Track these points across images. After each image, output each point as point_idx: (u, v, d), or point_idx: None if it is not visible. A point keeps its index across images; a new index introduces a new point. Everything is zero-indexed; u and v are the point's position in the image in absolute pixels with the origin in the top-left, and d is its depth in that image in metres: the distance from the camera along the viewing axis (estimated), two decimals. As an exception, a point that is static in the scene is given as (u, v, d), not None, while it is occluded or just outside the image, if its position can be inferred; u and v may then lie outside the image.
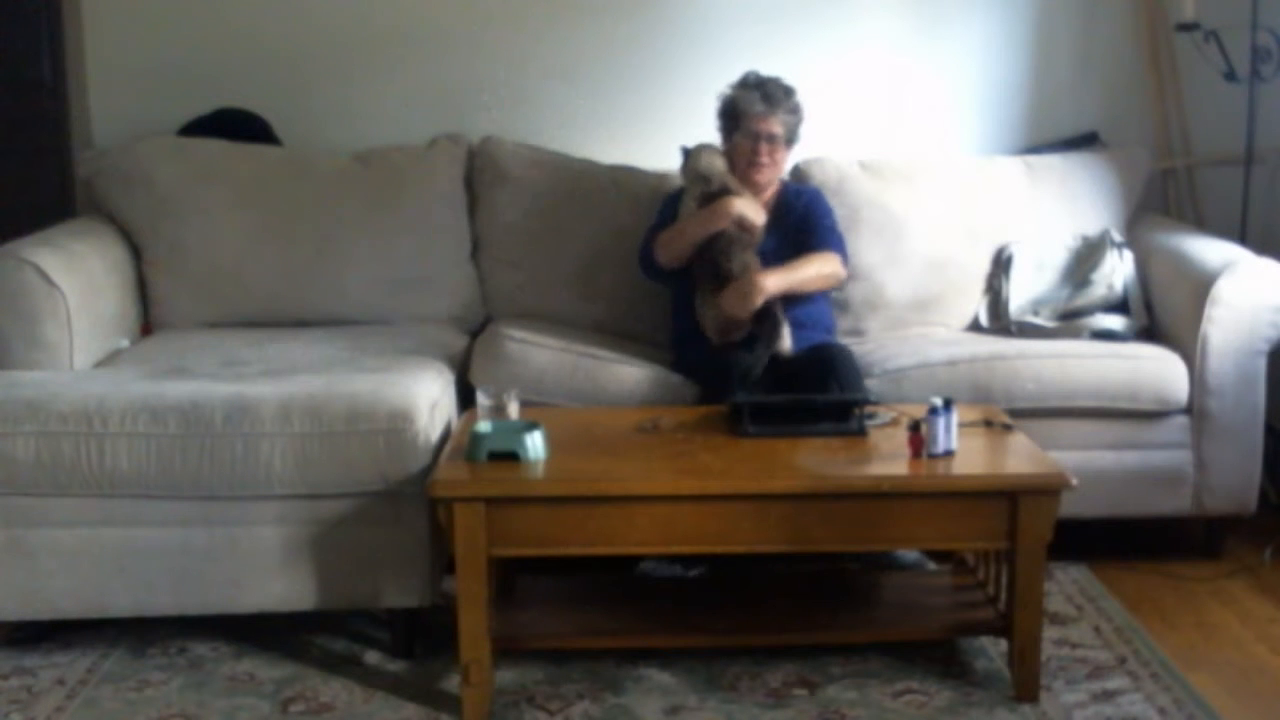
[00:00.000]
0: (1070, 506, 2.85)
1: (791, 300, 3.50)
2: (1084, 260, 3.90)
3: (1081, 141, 4.28)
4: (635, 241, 3.69)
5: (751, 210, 3.50)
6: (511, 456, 2.86)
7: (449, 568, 2.87)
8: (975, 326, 3.94)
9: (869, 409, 3.13)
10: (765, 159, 3.57)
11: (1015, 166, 4.07)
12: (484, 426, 2.93)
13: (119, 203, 3.87)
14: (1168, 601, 3.38)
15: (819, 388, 3.26)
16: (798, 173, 3.92)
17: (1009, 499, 2.79)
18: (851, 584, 3.33)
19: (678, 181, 3.68)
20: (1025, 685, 2.87)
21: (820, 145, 3.86)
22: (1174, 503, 3.55)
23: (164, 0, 4.21)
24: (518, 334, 3.53)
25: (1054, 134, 4.31)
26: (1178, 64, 4.27)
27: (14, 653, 3.10)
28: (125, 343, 3.70)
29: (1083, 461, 3.26)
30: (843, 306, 3.82)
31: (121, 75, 4.22)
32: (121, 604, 3.01)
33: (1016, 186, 4.02)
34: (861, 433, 3.04)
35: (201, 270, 3.85)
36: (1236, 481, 3.55)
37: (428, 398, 3.08)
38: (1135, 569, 3.55)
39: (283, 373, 3.20)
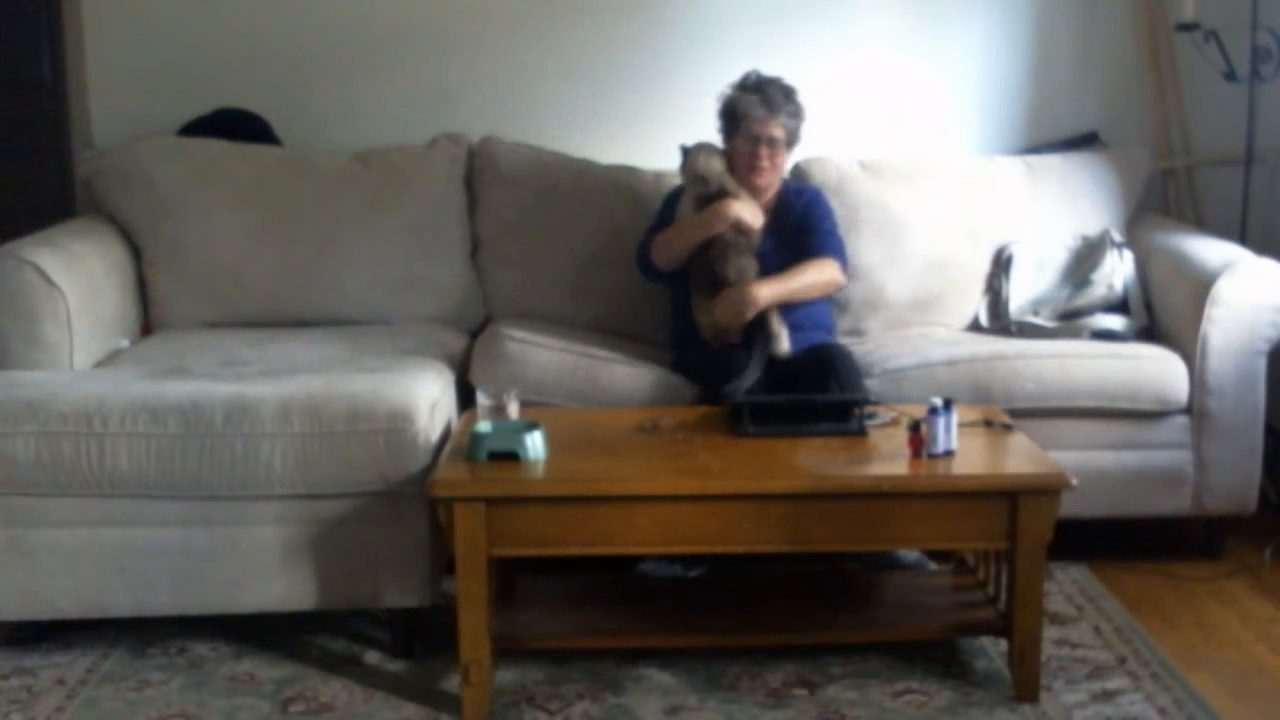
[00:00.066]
0: (1070, 506, 2.85)
1: (790, 303, 3.50)
2: (1084, 260, 3.90)
3: (1081, 141, 4.28)
4: (635, 241, 3.69)
5: (749, 213, 3.49)
6: (511, 456, 2.86)
7: (449, 568, 2.87)
8: (975, 326, 3.94)
9: (869, 409, 3.13)
10: (765, 163, 3.56)
11: (1015, 166, 4.07)
12: (484, 426, 2.93)
13: (119, 203, 3.87)
14: (1168, 601, 3.38)
15: (819, 388, 3.26)
16: (798, 172, 3.92)
17: (1009, 499, 2.79)
18: (851, 584, 3.33)
19: (677, 180, 3.68)
20: (1025, 685, 2.87)
21: (820, 145, 3.86)
22: (1174, 503, 3.55)
23: (164, 0, 4.22)
24: (518, 334, 3.53)
25: (1054, 134, 4.31)
26: (1178, 64, 4.27)
27: (14, 653, 3.10)
28: (125, 343, 3.70)
29: (1083, 461, 3.26)
30: (843, 306, 3.82)
31: (121, 75, 4.22)
32: (121, 604, 3.01)
33: (1016, 186, 4.02)
34: (861, 433, 3.04)
35: (201, 270, 3.85)
36: (1236, 481, 3.55)
37: (428, 398, 3.08)
38: (1135, 569, 3.55)
39: (283, 373, 3.20)
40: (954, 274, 3.93)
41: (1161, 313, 3.74)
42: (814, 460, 2.93)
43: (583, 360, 3.50)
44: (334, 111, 4.24)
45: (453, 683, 2.92)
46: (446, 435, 3.13)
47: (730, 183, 3.54)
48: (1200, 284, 3.53)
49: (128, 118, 4.17)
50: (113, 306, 3.68)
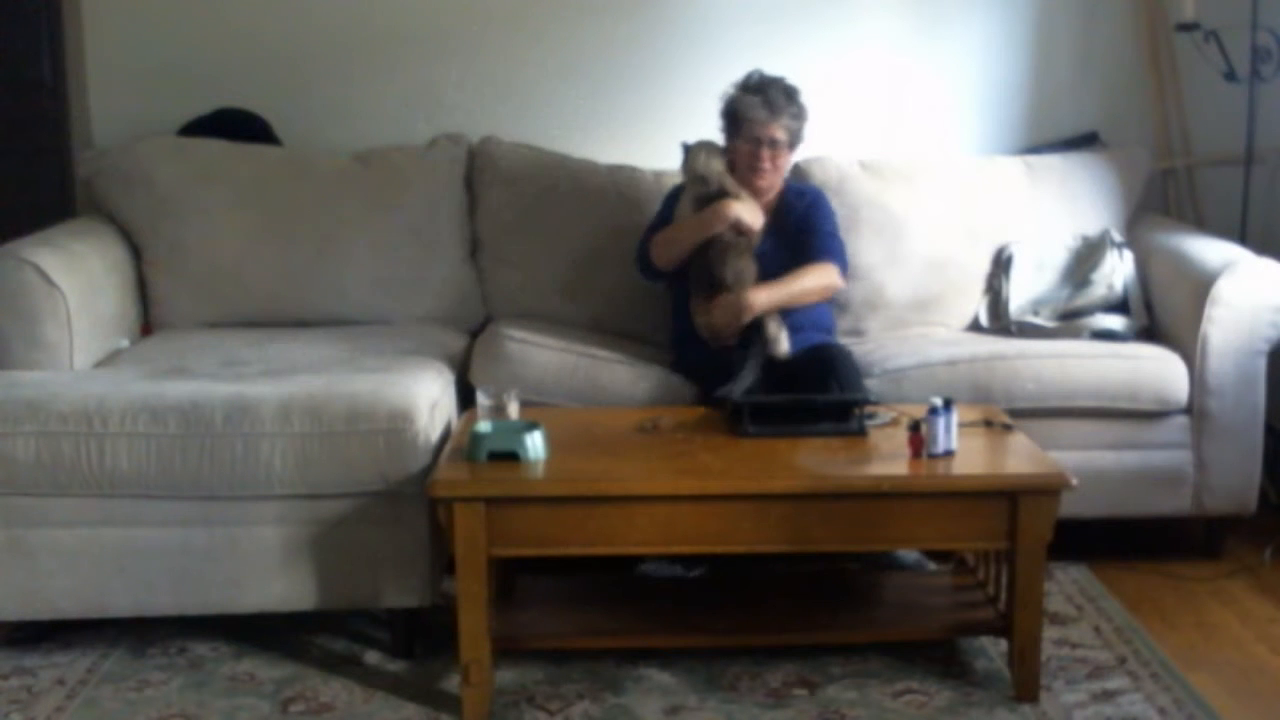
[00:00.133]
0: (1070, 506, 2.85)
1: (789, 307, 3.49)
2: (1084, 260, 3.90)
3: (1081, 141, 4.28)
4: (635, 241, 3.68)
5: (749, 213, 3.48)
6: (511, 456, 2.86)
7: (449, 568, 2.87)
8: (975, 326, 3.94)
9: (869, 409, 3.13)
10: (767, 164, 3.55)
11: (1015, 166, 4.07)
12: (484, 426, 2.93)
13: (119, 203, 3.87)
14: (1168, 601, 3.38)
15: (819, 388, 3.26)
16: (798, 172, 3.91)
17: (1009, 499, 2.79)
18: (851, 584, 3.33)
19: (677, 180, 3.68)
20: (1025, 685, 2.87)
21: (820, 145, 3.85)
22: (1174, 503, 3.55)
23: (164, 0, 4.21)
24: (518, 334, 3.53)
25: (1054, 134, 4.31)
26: (1178, 64, 4.27)
27: (14, 653, 3.10)
28: (125, 343, 3.70)
29: (1083, 461, 3.26)
30: (843, 306, 3.82)
31: (121, 75, 4.22)
32: (121, 604, 3.01)
33: (1016, 186, 4.02)
34: (861, 433, 3.04)
35: (201, 270, 3.84)
36: (1236, 481, 3.55)
37: (428, 398, 3.08)
38: (1135, 569, 3.55)
39: (283, 373, 3.20)
40: (954, 274, 3.93)
41: (1161, 313, 3.74)
42: (814, 460, 2.93)
43: (583, 360, 3.51)
44: (334, 111, 4.24)
45: (453, 683, 2.92)
46: (446, 435, 3.13)
47: (730, 183, 3.53)
48: (1200, 284, 3.53)
49: (128, 118, 4.17)
50: (113, 306, 3.68)
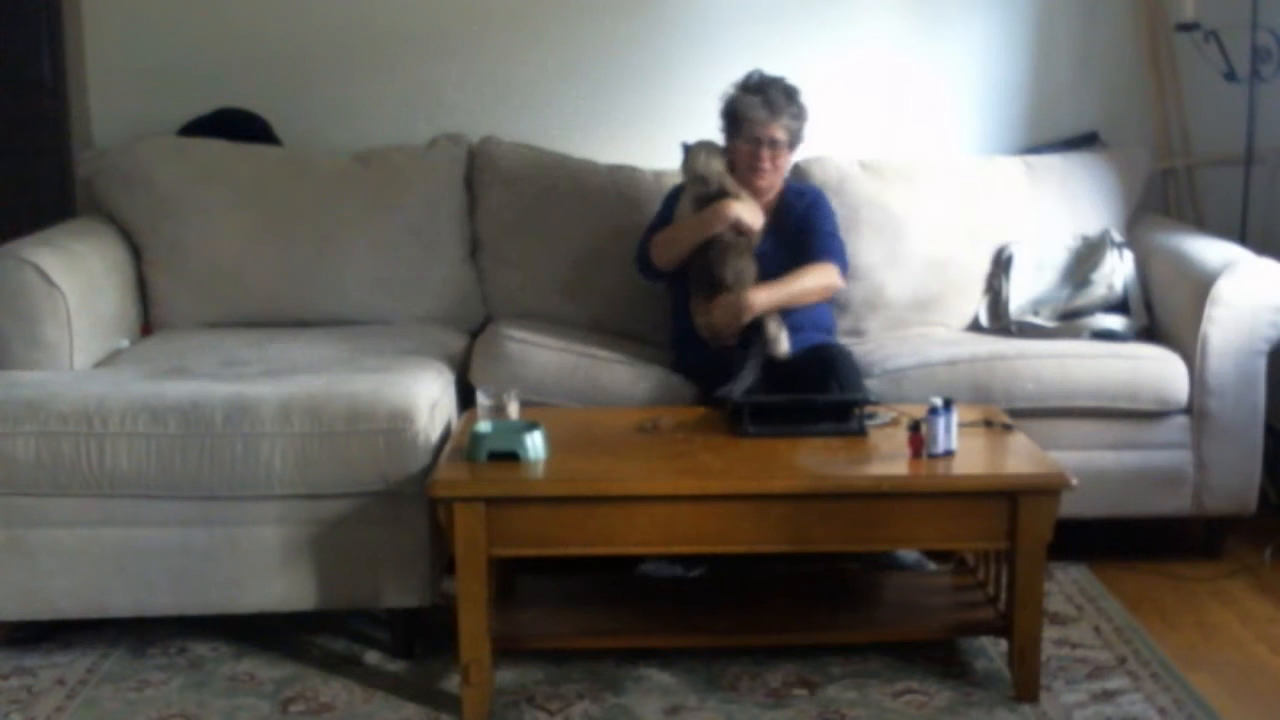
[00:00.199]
0: (1070, 506, 2.85)
1: (788, 307, 3.49)
2: (1084, 260, 3.90)
3: (1081, 141, 4.28)
4: (635, 241, 3.68)
5: (749, 214, 3.48)
6: (511, 456, 2.86)
7: (449, 568, 2.87)
8: (975, 326, 3.94)
9: (869, 409, 3.13)
10: (767, 164, 3.54)
11: (1015, 166, 4.07)
12: (484, 426, 2.93)
13: (119, 203, 3.87)
14: (1168, 601, 3.38)
15: (819, 388, 3.26)
16: (798, 172, 3.91)
17: (1009, 499, 2.79)
18: (851, 584, 3.33)
19: (677, 180, 3.67)
20: (1025, 685, 2.87)
21: (820, 145, 3.85)
22: (1174, 503, 3.55)
23: (164, 0, 4.21)
24: (518, 334, 3.53)
25: (1054, 134, 4.31)
26: (1178, 64, 4.27)
27: (14, 653, 3.10)
28: (125, 343, 3.70)
29: (1083, 461, 3.26)
30: (843, 306, 3.82)
31: (121, 75, 4.22)
32: (121, 604, 3.01)
33: (1016, 186, 4.02)
34: (861, 433, 3.04)
35: (201, 270, 3.84)
36: (1236, 481, 3.55)
37: (428, 398, 3.08)
38: (1135, 569, 3.55)
39: (283, 373, 3.20)
40: (954, 274, 3.93)
41: (1161, 313, 3.74)
42: (814, 460, 2.93)
43: (583, 360, 3.51)
44: (334, 111, 4.24)
45: (453, 683, 2.92)
46: (446, 435, 3.13)
47: (730, 183, 3.53)
48: (1200, 284, 3.53)
49: (128, 118, 4.17)
50: (113, 306, 3.68)
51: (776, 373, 3.36)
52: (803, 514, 2.80)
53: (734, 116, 3.57)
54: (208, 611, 3.04)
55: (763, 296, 3.43)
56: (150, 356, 3.54)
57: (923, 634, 3.07)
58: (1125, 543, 3.68)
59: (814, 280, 3.52)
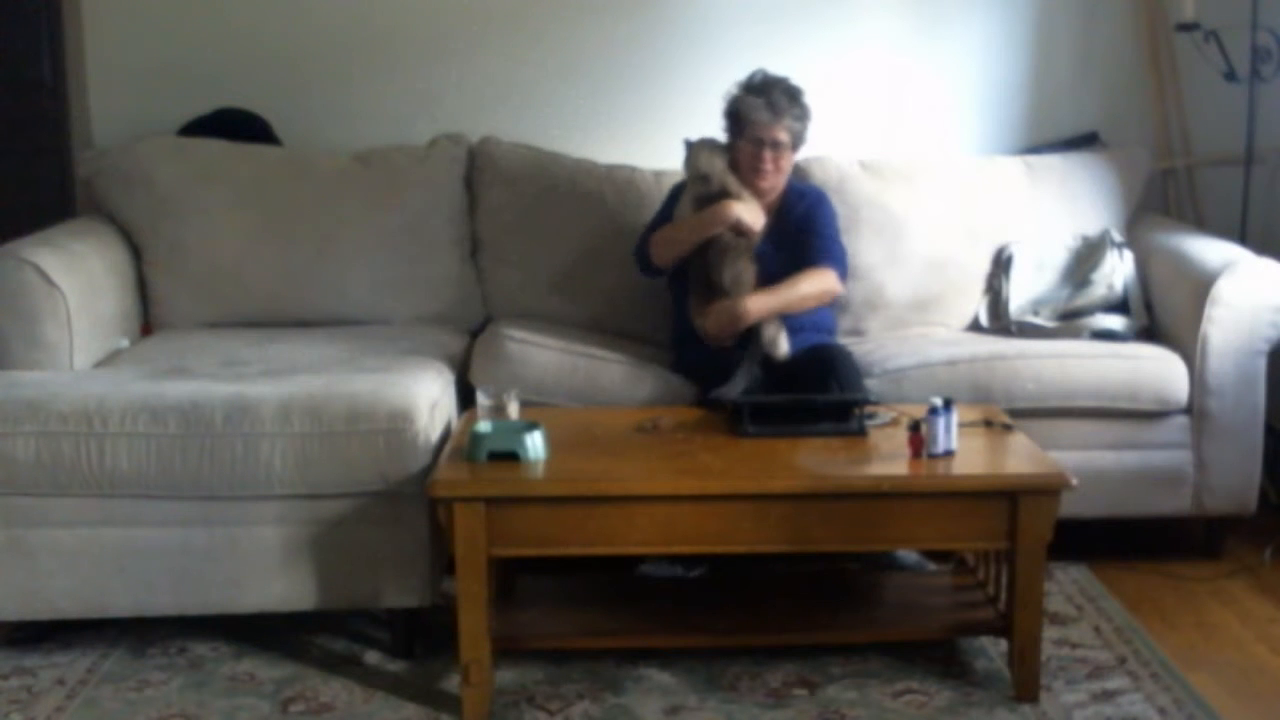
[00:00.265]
0: (1070, 506, 2.85)
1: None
2: (1084, 260, 3.90)
3: (1081, 141, 4.28)
4: (634, 241, 3.68)
5: (750, 214, 3.47)
6: (511, 456, 2.86)
7: (449, 568, 2.87)
8: (975, 326, 3.94)
9: (869, 409, 3.13)
10: (769, 165, 3.53)
11: (1015, 166, 4.07)
12: (484, 426, 2.94)
13: (119, 203, 3.87)
14: (1168, 601, 3.38)
15: (819, 388, 3.26)
16: (798, 172, 3.90)
17: (1009, 499, 2.79)
18: (851, 584, 3.33)
19: (677, 179, 3.67)
20: (1025, 685, 2.87)
21: (820, 145, 3.84)
22: (1174, 503, 3.55)
23: (164, 0, 4.21)
24: (518, 334, 3.53)
25: (1054, 134, 4.31)
26: (1178, 64, 4.27)
27: (14, 653, 3.10)
28: (125, 343, 3.70)
29: (1083, 461, 3.26)
30: (843, 306, 3.81)
31: (121, 75, 4.22)
32: (121, 604, 3.01)
33: (1016, 186, 4.02)
34: (861, 433, 3.04)
35: (201, 270, 3.85)
36: (1236, 481, 3.55)
37: (428, 398, 3.08)
38: (1135, 569, 3.55)
39: (283, 373, 3.20)
40: (954, 274, 3.93)
41: (1161, 313, 3.74)
42: (814, 460, 2.93)
43: (583, 360, 3.50)
44: (334, 111, 4.24)
45: (453, 683, 2.92)
46: (446, 435, 3.13)
47: (732, 182, 3.52)
48: (1200, 284, 3.53)
49: (128, 118, 4.17)
50: (113, 306, 3.68)
51: (776, 373, 3.36)
52: (803, 514, 2.80)
53: (737, 116, 3.56)
54: (208, 611, 3.04)
55: (759, 303, 3.42)
56: (150, 356, 3.54)
57: (923, 634, 3.07)
58: (1125, 543, 3.68)
59: (811, 286, 3.51)
